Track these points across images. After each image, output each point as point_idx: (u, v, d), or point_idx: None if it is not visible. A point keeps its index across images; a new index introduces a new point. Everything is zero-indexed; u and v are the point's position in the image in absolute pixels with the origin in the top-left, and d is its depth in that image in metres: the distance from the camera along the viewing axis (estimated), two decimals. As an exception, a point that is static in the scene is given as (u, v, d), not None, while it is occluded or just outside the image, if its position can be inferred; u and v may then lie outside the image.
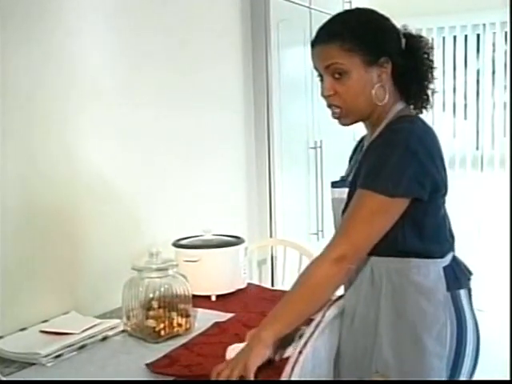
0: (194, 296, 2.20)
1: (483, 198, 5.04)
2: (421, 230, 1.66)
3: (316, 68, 1.75)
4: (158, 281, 2.12)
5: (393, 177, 1.56)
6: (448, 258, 1.71)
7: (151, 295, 2.10)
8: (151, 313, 2.08)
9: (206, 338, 2.07)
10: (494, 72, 5.03)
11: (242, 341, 1.94)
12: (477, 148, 5.18)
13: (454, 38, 5.14)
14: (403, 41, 1.73)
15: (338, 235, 1.64)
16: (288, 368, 1.62)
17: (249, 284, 2.70)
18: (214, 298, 2.50)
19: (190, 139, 3.04)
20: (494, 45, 5.02)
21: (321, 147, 3.99)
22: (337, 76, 1.70)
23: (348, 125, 1.79)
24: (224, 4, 3.35)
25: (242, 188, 3.57)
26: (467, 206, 5.14)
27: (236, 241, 2.63)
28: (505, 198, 4.78)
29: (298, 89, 3.87)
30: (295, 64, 3.84)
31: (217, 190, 3.27)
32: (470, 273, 1.80)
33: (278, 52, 3.57)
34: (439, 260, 1.67)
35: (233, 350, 1.78)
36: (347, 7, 4.50)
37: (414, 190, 1.58)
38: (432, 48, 1.78)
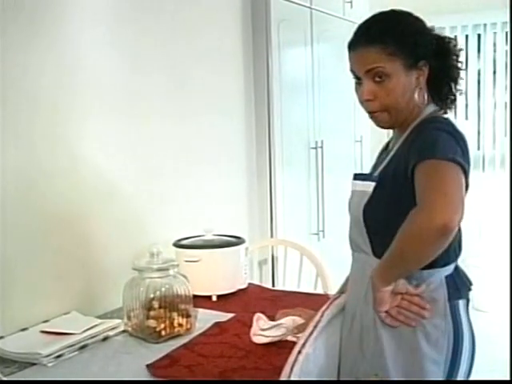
0: (195, 296, 2.21)
1: (484, 199, 5.03)
2: None
3: (353, 71, 1.73)
4: (158, 281, 2.12)
5: (447, 148, 1.53)
6: (451, 267, 1.68)
7: (152, 295, 2.10)
8: (152, 313, 2.08)
9: (207, 338, 2.07)
10: (494, 72, 5.03)
11: (241, 341, 1.95)
12: (478, 148, 5.17)
13: (455, 38, 5.13)
14: (434, 42, 1.73)
15: (434, 206, 1.51)
16: (287, 368, 1.62)
17: (249, 284, 2.70)
18: (214, 298, 2.51)
19: (191, 140, 3.04)
20: (494, 45, 5.02)
21: (321, 147, 3.98)
22: (377, 79, 1.68)
23: (387, 128, 1.79)
24: (224, 5, 3.35)
25: (243, 188, 3.57)
26: (469, 207, 5.13)
27: (237, 241, 2.63)
28: (505, 198, 4.78)
29: (298, 89, 3.87)
30: (296, 64, 3.84)
31: (218, 191, 3.27)
32: (471, 283, 1.77)
33: (278, 52, 3.57)
34: (442, 269, 1.64)
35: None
36: (347, 7, 4.51)
37: (464, 163, 1.54)
38: (461, 49, 1.78)
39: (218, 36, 3.25)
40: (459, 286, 1.68)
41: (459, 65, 1.76)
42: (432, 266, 1.60)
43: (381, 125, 1.76)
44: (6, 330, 2.07)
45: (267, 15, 3.52)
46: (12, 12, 2.09)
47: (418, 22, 1.76)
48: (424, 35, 1.72)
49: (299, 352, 1.63)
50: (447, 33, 5.09)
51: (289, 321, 1.97)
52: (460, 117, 5.18)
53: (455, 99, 1.78)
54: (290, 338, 1.95)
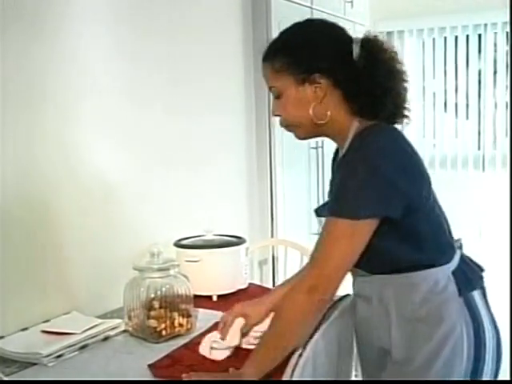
0: (196, 296, 2.21)
1: (485, 198, 5.03)
2: (418, 241, 1.61)
3: None
4: (159, 281, 2.12)
5: (354, 199, 1.49)
6: (455, 261, 1.66)
7: (152, 295, 2.10)
8: (152, 313, 2.08)
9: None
10: (495, 72, 5.02)
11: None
12: (478, 148, 5.17)
13: (456, 38, 5.13)
14: (356, 49, 1.63)
15: (309, 266, 1.58)
16: (288, 370, 1.61)
17: (250, 284, 2.70)
18: (215, 298, 2.51)
19: (192, 140, 3.04)
20: (495, 45, 5.01)
21: (322, 147, 3.98)
22: (277, 96, 1.70)
23: (304, 139, 1.77)
24: (225, 4, 3.35)
25: (243, 188, 3.57)
26: (469, 207, 5.13)
27: (237, 241, 2.63)
28: (505, 198, 4.78)
29: (299, 89, 3.87)
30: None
31: (218, 190, 3.27)
32: (482, 269, 1.76)
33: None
34: (446, 266, 1.63)
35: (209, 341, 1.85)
36: (348, 7, 4.51)
37: (380, 209, 1.50)
38: (394, 52, 1.69)
39: (218, 35, 3.25)
40: (470, 276, 1.67)
41: (391, 67, 1.66)
42: (433, 265, 1.60)
43: (296, 137, 1.77)
44: (6, 330, 2.07)
45: (268, 15, 3.52)
46: (12, 12, 2.09)
47: (318, 33, 1.67)
48: (321, 47, 1.64)
49: (300, 355, 1.63)
50: (448, 33, 5.09)
51: (235, 334, 1.89)
52: (461, 117, 5.18)
53: (399, 108, 1.69)
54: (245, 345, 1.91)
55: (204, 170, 3.14)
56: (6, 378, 1.68)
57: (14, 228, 2.13)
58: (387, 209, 1.51)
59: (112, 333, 2.12)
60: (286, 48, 1.67)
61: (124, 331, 2.14)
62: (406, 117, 1.73)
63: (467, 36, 5.08)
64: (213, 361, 1.85)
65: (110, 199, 2.53)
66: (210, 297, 2.50)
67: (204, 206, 3.11)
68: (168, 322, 2.08)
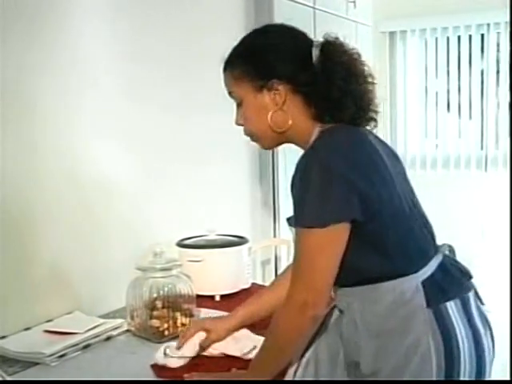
0: (198, 296, 2.21)
1: (488, 198, 5.03)
2: (382, 250, 1.52)
3: None
4: (161, 281, 2.12)
5: (316, 206, 1.43)
6: (427, 270, 1.55)
7: (155, 295, 2.11)
8: (155, 313, 2.08)
9: None
10: (498, 72, 5.02)
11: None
12: (481, 148, 5.17)
13: (459, 38, 5.13)
14: (316, 53, 1.58)
15: (294, 282, 1.51)
16: (290, 371, 1.61)
17: (253, 284, 2.70)
18: (217, 298, 2.51)
19: (194, 139, 3.04)
20: (498, 45, 5.01)
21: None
22: (239, 105, 1.67)
23: (269, 149, 1.76)
24: (227, 4, 3.35)
25: (246, 188, 3.57)
26: (471, 206, 5.13)
27: (240, 241, 2.63)
28: (506, 198, 4.77)
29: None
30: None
31: (221, 190, 3.27)
32: (469, 277, 1.66)
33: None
34: (414, 276, 1.52)
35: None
36: (351, 7, 4.51)
37: (343, 212, 1.44)
38: (355, 54, 1.64)
39: (220, 35, 3.24)
40: (445, 286, 1.55)
41: (352, 69, 1.61)
42: (399, 275, 1.52)
43: (263, 148, 1.75)
44: (9, 330, 2.07)
45: (270, 15, 3.51)
46: (12, 11, 2.09)
47: (274, 39, 1.64)
48: (279, 52, 1.60)
49: (302, 356, 1.63)
50: (450, 33, 5.09)
51: (191, 346, 1.88)
52: (464, 117, 5.18)
53: (362, 109, 1.62)
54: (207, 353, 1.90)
55: (206, 169, 3.13)
56: (8, 378, 1.68)
57: (16, 228, 2.13)
58: (351, 210, 1.44)
59: (114, 332, 2.12)
60: (244, 55, 1.65)
61: (126, 331, 2.14)
62: (373, 120, 1.66)
63: (470, 36, 5.08)
64: (215, 361, 1.85)
65: (112, 200, 2.53)
66: (212, 297, 2.50)
67: (206, 205, 3.11)
68: (170, 322, 2.08)
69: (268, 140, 1.68)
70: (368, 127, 1.64)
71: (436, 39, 5.23)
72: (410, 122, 5.39)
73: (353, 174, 1.44)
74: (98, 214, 2.46)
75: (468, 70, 5.13)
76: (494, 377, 1.74)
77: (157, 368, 1.81)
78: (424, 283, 1.52)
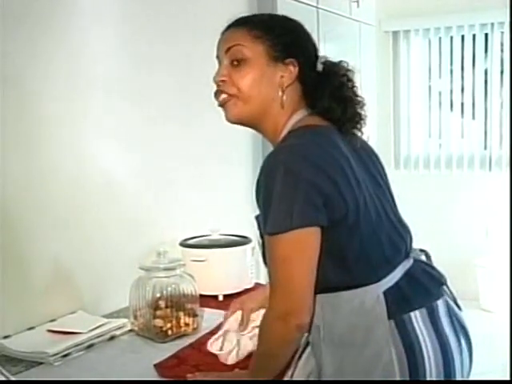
0: (202, 296, 2.21)
1: (491, 198, 5.03)
2: (341, 259, 1.48)
3: (217, 57, 1.65)
4: (165, 280, 2.12)
5: (280, 211, 1.39)
6: (391, 279, 1.51)
7: (158, 295, 2.10)
8: (158, 312, 2.08)
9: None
10: (502, 71, 5.02)
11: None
12: (485, 148, 5.17)
13: (462, 37, 5.13)
14: (319, 64, 1.62)
15: (272, 292, 1.47)
16: (289, 372, 1.60)
17: (256, 284, 2.69)
18: (221, 298, 2.50)
19: (198, 140, 3.04)
20: (502, 44, 5.01)
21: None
22: (235, 63, 1.58)
23: (233, 121, 1.65)
24: (230, 4, 3.35)
25: (249, 187, 3.55)
26: (475, 206, 5.13)
27: (243, 240, 2.63)
28: (506, 199, 4.78)
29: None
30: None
31: (224, 190, 3.27)
32: (441, 283, 1.61)
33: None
34: (376, 285, 1.49)
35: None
36: (354, 7, 4.50)
37: (309, 216, 1.39)
38: (349, 70, 1.63)
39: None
40: (409, 295, 1.51)
41: (349, 84, 1.61)
42: (359, 285, 1.49)
43: (229, 116, 1.63)
44: (12, 329, 2.07)
45: (273, 15, 3.51)
46: (19, 11, 2.09)
47: (298, 25, 1.68)
48: (300, 36, 1.64)
49: (299, 357, 1.62)
50: (454, 32, 5.09)
51: (232, 325, 1.91)
52: (467, 116, 5.18)
53: (352, 119, 1.59)
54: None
55: (210, 169, 3.14)
56: (12, 378, 1.68)
57: (19, 228, 2.13)
58: (317, 215, 1.41)
59: (118, 332, 2.12)
60: (271, 24, 1.64)
61: (130, 331, 2.14)
62: (357, 130, 1.62)
63: (474, 35, 5.08)
64: (218, 360, 1.85)
65: (116, 200, 2.53)
66: (215, 296, 2.50)
67: (210, 205, 3.11)
68: (174, 322, 2.08)
69: (247, 112, 1.59)
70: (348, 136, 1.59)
71: (439, 39, 5.23)
72: (414, 122, 5.39)
73: (317, 178, 1.40)
74: (102, 213, 2.46)
75: (471, 69, 5.13)
76: (494, 377, 1.73)
77: (160, 368, 1.81)
78: (387, 292, 1.49)
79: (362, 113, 1.60)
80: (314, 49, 1.66)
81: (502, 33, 4.96)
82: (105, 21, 2.48)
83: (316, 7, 3.92)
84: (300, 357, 1.59)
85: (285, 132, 1.56)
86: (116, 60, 2.55)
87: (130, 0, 2.62)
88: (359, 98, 1.62)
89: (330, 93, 1.57)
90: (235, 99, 1.58)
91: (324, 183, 1.41)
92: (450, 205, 5.20)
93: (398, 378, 1.43)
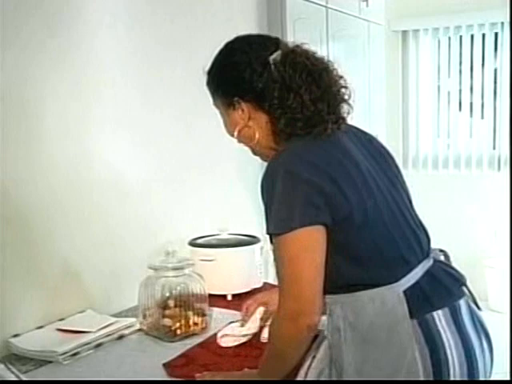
0: (210, 295, 2.21)
1: (500, 198, 5.00)
2: (356, 258, 1.49)
3: None
4: (174, 280, 2.13)
5: (282, 212, 1.42)
6: (410, 279, 1.51)
7: (167, 294, 2.11)
8: (167, 312, 2.09)
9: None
10: None
11: (257, 340, 1.95)
12: (493, 148, 5.15)
13: (472, 36, 5.10)
14: (272, 62, 1.57)
15: (282, 292, 1.48)
16: (302, 372, 1.60)
17: (265, 283, 2.69)
18: (229, 298, 2.50)
19: (206, 139, 3.03)
20: None
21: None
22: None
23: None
24: (239, 3, 3.34)
25: (258, 187, 3.55)
26: (484, 207, 5.11)
27: (252, 240, 2.63)
28: (506, 199, 4.77)
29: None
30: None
31: (233, 190, 3.27)
32: (461, 283, 1.62)
33: (294, 51, 3.55)
34: (395, 285, 1.49)
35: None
36: (363, 6, 4.49)
37: (310, 215, 1.41)
38: (313, 58, 1.60)
39: (233, 35, 3.23)
40: (432, 295, 1.52)
41: (305, 76, 1.54)
42: (378, 284, 1.49)
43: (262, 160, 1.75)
44: (22, 328, 2.08)
45: (282, 14, 3.51)
46: (26, 8, 2.10)
47: (232, 57, 1.67)
48: (235, 73, 1.62)
49: (314, 356, 1.62)
50: (464, 32, 5.07)
51: (254, 321, 1.98)
52: (476, 116, 5.16)
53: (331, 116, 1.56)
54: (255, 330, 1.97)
55: (219, 168, 3.14)
56: (24, 378, 1.69)
57: (29, 227, 2.14)
58: (318, 213, 1.42)
59: (127, 331, 2.12)
60: (213, 73, 1.72)
61: (139, 330, 2.15)
62: (341, 118, 1.60)
63: (483, 34, 5.05)
64: (227, 360, 1.85)
65: (125, 199, 2.53)
66: (224, 296, 2.49)
67: (219, 204, 3.11)
68: (183, 321, 2.08)
69: (259, 154, 1.74)
70: (331, 130, 1.55)
71: (449, 38, 5.21)
72: (422, 122, 5.37)
73: (317, 178, 1.43)
74: (111, 213, 2.46)
75: (481, 69, 5.10)
76: (494, 377, 1.72)
77: (169, 367, 1.82)
78: (407, 292, 1.49)
79: (345, 97, 1.61)
80: (258, 62, 1.60)
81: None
82: (115, 17, 2.48)
83: (325, 6, 3.91)
84: (314, 356, 1.60)
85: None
86: (126, 59, 2.55)
87: (138, 2, 2.62)
88: (336, 88, 1.60)
89: (293, 95, 1.53)
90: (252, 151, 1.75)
91: (324, 183, 1.43)
92: (459, 205, 5.18)
93: (421, 378, 1.44)
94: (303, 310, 1.44)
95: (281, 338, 1.52)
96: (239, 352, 1.92)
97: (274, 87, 1.54)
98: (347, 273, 1.49)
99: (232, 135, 1.69)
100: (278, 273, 1.49)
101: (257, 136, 1.63)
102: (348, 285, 1.50)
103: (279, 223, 1.43)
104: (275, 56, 1.58)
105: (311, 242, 1.43)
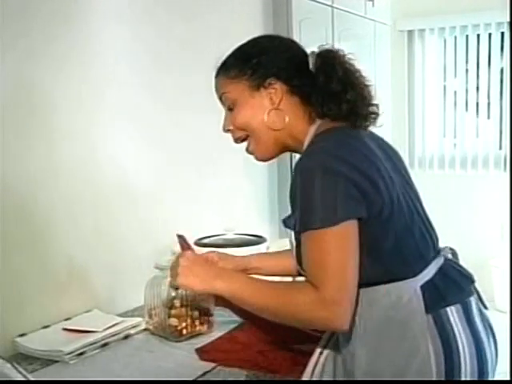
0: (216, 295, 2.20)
1: (506, 198, 4.99)
2: (378, 253, 1.50)
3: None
4: (180, 279, 2.12)
5: (325, 205, 1.41)
6: (426, 274, 1.53)
7: (173, 294, 2.11)
8: (173, 311, 2.09)
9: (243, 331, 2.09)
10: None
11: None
12: (500, 148, 5.14)
13: (478, 36, 5.10)
14: (312, 61, 1.62)
15: (326, 281, 1.42)
16: (309, 369, 1.61)
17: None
18: (235, 297, 2.50)
19: (213, 138, 3.03)
20: (518, 43, 4.97)
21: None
22: (230, 109, 1.68)
23: (263, 159, 1.74)
24: (245, 4, 3.35)
25: (264, 186, 3.56)
26: (490, 206, 5.10)
27: (258, 240, 2.62)
28: (505, 199, 4.75)
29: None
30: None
31: (239, 189, 3.27)
32: (471, 281, 1.63)
33: (300, 51, 3.55)
34: (412, 279, 1.50)
35: None
36: (369, 6, 4.49)
37: (352, 208, 1.42)
38: (343, 62, 1.63)
39: (238, 35, 3.21)
40: (444, 291, 1.53)
41: (347, 76, 1.61)
42: (395, 279, 1.50)
43: (256, 158, 1.74)
44: (28, 327, 2.08)
45: (288, 14, 3.51)
46: (33, 7, 2.10)
47: (271, 43, 1.69)
48: (272, 52, 1.64)
49: (321, 353, 1.62)
50: (470, 31, 5.06)
51: None
52: (482, 116, 5.15)
53: (362, 114, 1.60)
54: None
55: (225, 168, 3.14)
56: (31, 378, 1.69)
57: (34, 226, 2.14)
58: (359, 207, 1.43)
59: (133, 331, 2.12)
60: (241, 56, 1.68)
61: (145, 330, 2.15)
62: (373, 114, 1.63)
63: (490, 34, 5.05)
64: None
65: (131, 199, 2.53)
66: (230, 296, 2.49)
67: (224, 204, 3.11)
68: (189, 321, 2.09)
69: (264, 144, 1.67)
70: (367, 123, 1.62)
71: (455, 38, 5.20)
72: (428, 122, 5.37)
73: (355, 175, 1.43)
74: (117, 213, 2.47)
75: (487, 68, 5.09)
76: (497, 377, 1.72)
77: (201, 352, 1.90)
78: (423, 288, 1.50)
79: (373, 99, 1.63)
80: (297, 54, 1.67)
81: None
82: (122, 12, 2.49)
83: (331, 6, 3.91)
84: (321, 353, 1.60)
85: (308, 139, 1.59)
86: (132, 56, 2.55)
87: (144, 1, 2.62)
88: (365, 81, 1.64)
89: (337, 82, 1.57)
90: (249, 141, 1.70)
91: (360, 179, 1.43)
92: (465, 205, 5.17)
93: (434, 372, 1.45)
94: (343, 299, 1.41)
95: (307, 315, 1.45)
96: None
97: (314, 78, 1.59)
98: (368, 268, 1.48)
99: (247, 124, 1.65)
100: (312, 266, 1.45)
101: (287, 119, 1.61)
102: (367, 281, 1.50)
103: (324, 217, 1.41)
104: (313, 53, 1.64)
105: (354, 234, 1.44)
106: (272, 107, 1.61)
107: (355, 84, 1.60)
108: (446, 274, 1.57)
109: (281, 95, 1.60)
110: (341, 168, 1.43)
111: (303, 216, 1.46)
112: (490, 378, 1.56)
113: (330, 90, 1.57)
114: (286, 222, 1.63)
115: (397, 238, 1.50)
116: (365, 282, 1.49)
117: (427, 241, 1.59)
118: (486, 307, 1.65)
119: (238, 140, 1.73)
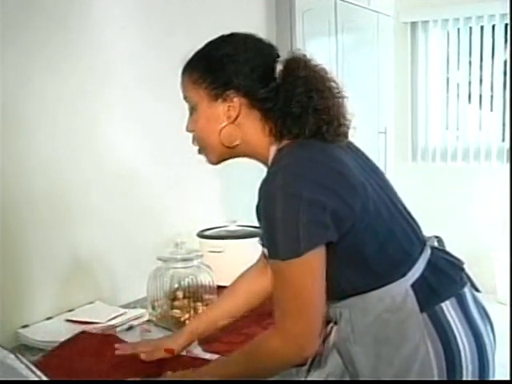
0: (219, 286, 2.21)
1: (509, 191, 4.99)
2: (362, 262, 1.46)
3: None
4: (182, 271, 2.13)
5: (288, 237, 1.35)
6: (415, 272, 1.49)
7: (176, 285, 2.12)
8: (176, 303, 2.09)
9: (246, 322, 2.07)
10: (522, 63, 4.97)
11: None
12: (502, 140, 5.13)
13: (482, 28, 5.08)
14: (279, 67, 1.51)
15: (288, 314, 1.41)
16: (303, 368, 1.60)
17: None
18: (238, 289, 2.50)
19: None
20: (522, 35, 4.96)
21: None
22: (191, 112, 1.62)
23: (215, 164, 1.69)
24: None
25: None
26: (492, 199, 5.10)
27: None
28: (506, 193, 4.75)
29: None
30: (320, 55, 3.80)
31: (241, 181, 3.26)
32: (461, 268, 1.60)
33: (303, 43, 3.55)
34: (402, 280, 1.47)
35: None
36: (373, -2, 4.49)
37: (317, 236, 1.36)
38: (322, 71, 1.57)
39: (241, 27, 3.20)
40: (436, 287, 1.50)
41: (321, 88, 1.51)
42: (385, 283, 1.47)
43: (209, 162, 1.70)
44: (31, 319, 2.09)
45: (291, 5, 3.50)
46: (34, 5, 2.10)
47: (237, 49, 1.56)
48: (239, 63, 1.52)
49: (318, 360, 1.61)
50: (473, 23, 5.05)
51: None
52: (485, 108, 5.14)
53: (329, 126, 1.49)
54: None
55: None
56: (44, 378, 1.68)
57: (37, 218, 2.15)
58: (326, 232, 1.37)
59: (136, 322, 2.13)
60: (205, 60, 1.59)
61: (148, 321, 2.15)
62: (342, 134, 1.53)
63: (493, 26, 5.03)
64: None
65: (133, 190, 2.54)
66: (232, 287, 2.50)
67: (227, 196, 3.11)
68: (191, 312, 2.09)
69: (215, 153, 1.63)
70: (337, 138, 1.51)
71: (458, 30, 5.19)
72: (431, 114, 5.36)
73: (319, 194, 1.36)
74: (120, 204, 2.47)
75: (491, 60, 5.08)
76: (498, 369, 1.70)
77: (204, 344, 1.90)
78: (414, 286, 1.47)
79: (346, 115, 1.54)
80: (263, 62, 1.54)
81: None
82: (127, 12, 2.49)
83: (334, -2, 3.91)
84: (319, 360, 1.58)
85: (271, 154, 1.54)
86: (136, 49, 2.55)
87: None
88: (334, 93, 1.54)
89: (297, 104, 1.47)
90: (204, 150, 1.66)
91: (327, 197, 1.37)
92: (467, 197, 5.17)
93: (435, 371, 1.43)
94: (310, 335, 1.41)
95: (274, 357, 1.46)
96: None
97: (277, 89, 1.49)
98: (355, 279, 1.47)
99: (201, 132, 1.60)
100: (280, 295, 1.43)
101: (238, 141, 1.56)
102: (355, 289, 1.48)
103: (287, 248, 1.36)
104: (282, 60, 1.54)
105: (318, 264, 1.39)
106: (227, 122, 1.53)
107: (320, 101, 1.48)
108: (435, 266, 1.54)
109: (238, 110, 1.52)
110: (303, 191, 1.35)
111: (268, 244, 1.42)
112: (491, 366, 1.54)
113: (289, 111, 1.48)
114: (262, 239, 1.63)
115: (379, 242, 1.46)
116: (356, 291, 1.48)
117: (411, 237, 1.54)
118: (478, 290, 1.62)
119: (194, 143, 1.67)
